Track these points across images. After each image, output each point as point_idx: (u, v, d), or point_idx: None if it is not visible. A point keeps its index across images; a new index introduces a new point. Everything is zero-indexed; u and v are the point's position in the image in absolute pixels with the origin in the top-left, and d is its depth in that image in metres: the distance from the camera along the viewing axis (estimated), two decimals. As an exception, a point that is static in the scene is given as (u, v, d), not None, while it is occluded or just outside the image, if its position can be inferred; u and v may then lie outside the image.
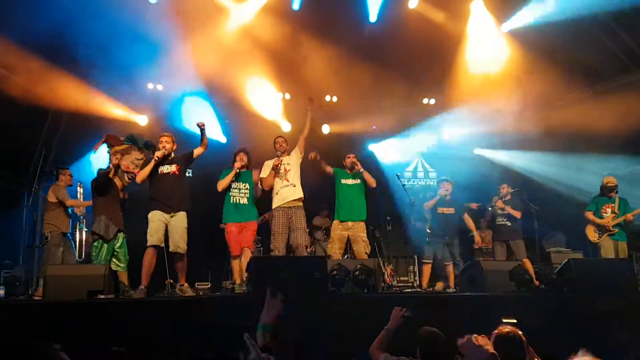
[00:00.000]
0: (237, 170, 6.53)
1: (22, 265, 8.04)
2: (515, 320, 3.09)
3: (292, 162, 6.79)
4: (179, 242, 5.97)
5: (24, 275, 7.69)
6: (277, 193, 6.66)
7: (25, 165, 8.16)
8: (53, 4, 7.22)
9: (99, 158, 7.84)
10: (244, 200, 6.62)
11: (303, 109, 7.01)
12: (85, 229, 7.74)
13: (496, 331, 2.89)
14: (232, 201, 6.60)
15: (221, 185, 6.59)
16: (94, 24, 7.45)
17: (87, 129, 8.49)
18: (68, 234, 7.05)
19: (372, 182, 7.03)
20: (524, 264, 6.89)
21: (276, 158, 6.74)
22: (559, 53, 8.38)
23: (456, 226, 7.70)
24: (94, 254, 6.26)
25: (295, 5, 8.49)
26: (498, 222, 8.08)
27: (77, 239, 7.71)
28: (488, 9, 8.60)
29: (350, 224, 6.84)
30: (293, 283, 5.18)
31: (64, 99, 7.94)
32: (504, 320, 3.09)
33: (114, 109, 8.99)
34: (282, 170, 6.68)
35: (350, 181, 7.02)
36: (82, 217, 7.77)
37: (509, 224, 7.98)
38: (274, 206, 6.67)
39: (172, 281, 7.13)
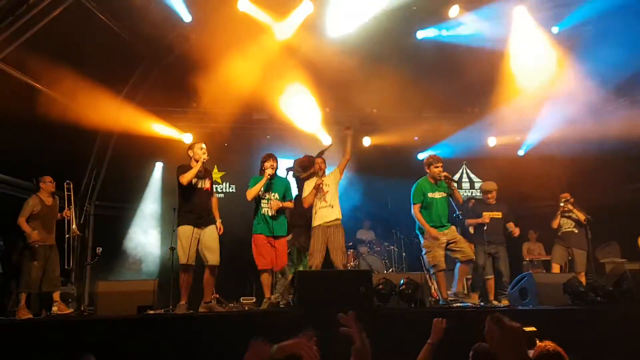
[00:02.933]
0: (269, 177, 6.33)
1: (73, 282, 8.28)
2: (535, 329, 2.96)
3: (331, 183, 6.71)
4: (213, 255, 5.99)
5: (76, 291, 7.92)
6: (315, 212, 6.62)
7: (77, 185, 8.44)
8: (100, 25, 7.52)
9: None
10: (272, 211, 6.39)
11: (342, 133, 6.96)
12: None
13: (538, 347, 2.80)
14: (262, 212, 6.41)
15: (251, 194, 6.37)
16: (139, 45, 7.73)
17: (136, 148, 8.75)
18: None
19: (459, 198, 6.86)
20: (578, 277, 6.65)
21: (317, 177, 6.68)
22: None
23: (503, 234, 7.48)
24: None
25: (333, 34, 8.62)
26: (565, 229, 7.84)
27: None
28: (532, 14, 8.43)
29: (446, 231, 6.56)
30: (338, 298, 5.15)
31: (112, 120, 8.20)
32: (525, 329, 2.98)
33: (160, 128, 9.23)
34: (322, 192, 6.62)
35: (437, 195, 6.70)
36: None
37: (575, 231, 7.78)
38: (313, 225, 6.62)
39: (218, 296, 7.21)
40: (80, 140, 7.76)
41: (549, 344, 2.80)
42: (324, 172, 6.83)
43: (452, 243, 6.48)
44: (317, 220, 6.57)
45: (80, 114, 7.57)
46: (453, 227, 6.66)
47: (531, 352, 2.80)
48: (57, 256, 6.88)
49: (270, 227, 6.31)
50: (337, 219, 6.55)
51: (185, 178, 5.95)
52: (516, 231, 7.47)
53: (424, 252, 6.60)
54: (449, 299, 6.38)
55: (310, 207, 6.67)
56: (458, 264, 6.62)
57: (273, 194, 6.47)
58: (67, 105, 7.54)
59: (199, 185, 6.12)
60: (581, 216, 7.73)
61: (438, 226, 6.53)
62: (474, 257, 6.76)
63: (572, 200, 7.81)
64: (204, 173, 6.18)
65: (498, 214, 7.46)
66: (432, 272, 6.55)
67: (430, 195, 6.63)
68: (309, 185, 6.80)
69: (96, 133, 8.98)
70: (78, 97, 7.55)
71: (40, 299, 6.80)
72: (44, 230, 6.70)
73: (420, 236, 6.72)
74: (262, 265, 6.24)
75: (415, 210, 6.64)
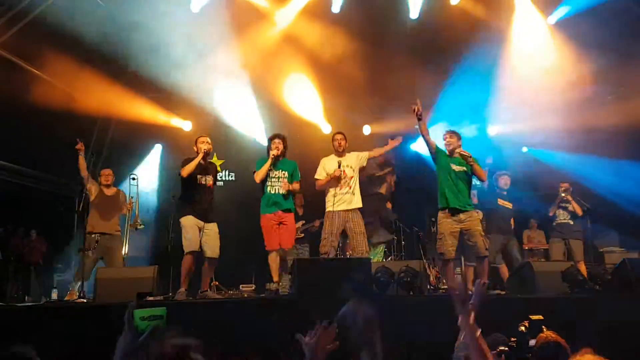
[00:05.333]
0: (273, 157, 6.24)
1: (73, 269, 8.30)
2: (542, 317, 2.96)
3: (354, 166, 6.47)
4: (214, 247, 6.01)
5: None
6: (334, 195, 6.35)
7: (76, 172, 8.43)
8: (100, 14, 7.46)
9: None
10: (283, 190, 6.27)
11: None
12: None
13: (540, 337, 2.80)
14: (269, 191, 6.25)
15: (259, 176, 6.25)
16: (140, 33, 7.69)
17: (135, 134, 8.73)
18: None
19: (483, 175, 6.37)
20: (577, 265, 6.66)
21: (337, 169, 6.35)
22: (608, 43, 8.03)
23: (511, 223, 7.51)
24: None
25: (336, 8, 8.49)
26: (560, 220, 7.84)
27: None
28: (533, 1, 8.36)
29: (462, 216, 6.03)
30: (336, 286, 5.15)
31: (111, 107, 8.18)
32: (531, 317, 2.97)
33: (159, 116, 9.20)
34: (342, 175, 6.35)
35: (457, 167, 6.15)
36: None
37: (571, 222, 7.78)
38: (328, 209, 6.37)
39: (217, 283, 7.23)
40: (79, 126, 7.72)
41: (550, 334, 2.81)
42: (344, 150, 6.55)
43: (466, 234, 6.00)
44: (335, 206, 6.32)
45: (79, 100, 7.55)
46: (474, 215, 6.12)
47: (533, 341, 2.80)
48: (120, 246, 6.99)
49: (278, 204, 6.20)
50: (358, 207, 6.38)
51: (185, 170, 5.96)
52: None
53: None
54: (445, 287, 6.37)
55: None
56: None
57: (282, 172, 6.33)
58: (66, 91, 7.52)
59: (202, 182, 6.09)
60: (578, 209, 7.72)
61: (456, 207, 5.97)
62: (488, 254, 6.24)
63: (571, 190, 7.80)
64: (207, 169, 6.17)
65: (509, 205, 7.46)
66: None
67: (452, 165, 6.08)
68: (323, 166, 6.55)
69: (95, 120, 8.96)
70: (77, 83, 7.53)
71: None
72: (101, 219, 6.79)
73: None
74: (269, 245, 6.16)
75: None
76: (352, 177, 6.41)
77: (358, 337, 1.67)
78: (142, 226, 7.43)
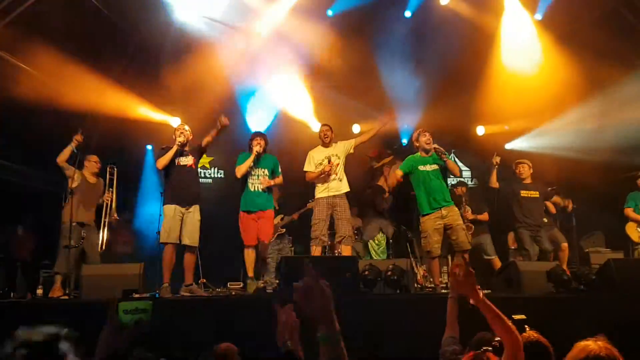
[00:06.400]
0: (256, 154, 6.38)
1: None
2: (524, 316, 2.98)
3: (341, 154, 6.71)
4: (193, 234, 5.99)
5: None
6: (323, 184, 6.62)
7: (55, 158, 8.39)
8: (89, 9, 7.41)
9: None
10: (263, 186, 6.47)
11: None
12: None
13: (522, 337, 2.81)
14: (251, 189, 6.44)
15: (241, 170, 6.43)
16: (128, 29, 7.67)
17: (123, 131, 8.65)
18: None
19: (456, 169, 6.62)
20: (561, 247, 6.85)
21: (327, 164, 6.60)
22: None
23: (542, 214, 7.40)
24: None
25: (330, 12, 8.59)
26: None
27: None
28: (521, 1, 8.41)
29: (444, 211, 6.19)
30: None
31: (99, 102, 8.12)
32: (514, 317, 3.00)
33: (148, 112, 9.14)
34: (332, 170, 6.61)
35: (430, 167, 6.34)
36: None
37: (545, 220, 7.73)
38: (317, 195, 6.64)
39: (205, 280, 7.21)
40: (68, 122, 7.67)
41: (532, 334, 2.82)
42: (331, 140, 6.78)
43: (449, 229, 6.16)
44: (322, 192, 6.59)
45: (68, 96, 7.48)
46: (454, 209, 6.29)
47: None
48: (96, 236, 6.81)
49: (257, 203, 6.36)
50: (345, 192, 6.61)
51: (159, 163, 6.05)
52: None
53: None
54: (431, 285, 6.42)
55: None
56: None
57: (262, 169, 6.50)
58: (56, 87, 7.44)
59: (181, 163, 6.10)
60: (552, 209, 7.74)
61: (434, 207, 6.17)
62: (469, 247, 6.37)
63: (557, 191, 7.84)
64: (188, 151, 6.17)
65: (535, 193, 7.37)
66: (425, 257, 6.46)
67: (421, 168, 6.30)
68: (312, 159, 6.74)
69: (84, 116, 8.87)
70: (66, 79, 7.46)
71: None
72: (82, 208, 6.59)
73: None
74: (247, 241, 6.29)
75: (395, 173, 6.51)
76: (338, 164, 6.64)
77: (315, 311, 1.68)
78: (118, 218, 7.27)
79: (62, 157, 6.54)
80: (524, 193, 7.37)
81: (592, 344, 2.02)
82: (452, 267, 6.59)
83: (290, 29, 8.43)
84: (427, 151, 6.37)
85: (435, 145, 6.28)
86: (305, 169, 6.76)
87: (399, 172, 6.43)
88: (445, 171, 6.41)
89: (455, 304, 3.21)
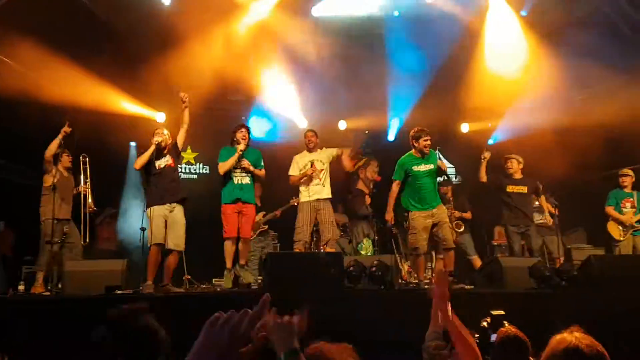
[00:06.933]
0: (241, 152, 6.35)
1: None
2: (503, 312, 3.02)
3: (325, 161, 6.84)
4: (178, 239, 5.95)
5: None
6: (306, 189, 6.72)
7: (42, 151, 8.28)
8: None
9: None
10: (247, 180, 6.44)
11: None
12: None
13: (500, 332, 2.84)
14: (235, 182, 6.40)
15: (224, 168, 6.40)
16: (113, 23, 7.58)
17: (106, 126, 8.56)
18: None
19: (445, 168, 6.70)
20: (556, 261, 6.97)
21: (310, 168, 6.75)
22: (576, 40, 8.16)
23: (531, 209, 7.44)
24: None
25: (316, 12, 8.59)
26: (537, 221, 7.85)
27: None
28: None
29: (434, 210, 6.30)
30: (309, 280, 5.21)
31: (81, 96, 8.02)
32: (493, 313, 3.03)
33: (132, 106, 9.04)
34: (314, 175, 6.76)
35: (424, 167, 6.40)
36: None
37: (547, 221, 7.86)
38: (301, 200, 6.76)
39: (189, 277, 7.18)
40: (49, 116, 7.57)
41: (510, 329, 2.85)
42: (315, 146, 6.87)
43: (435, 226, 6.24)
44: (306, 197, 6.71)
45: (49, 90, 7.38)
46: (443, 208, 6.42)
47: (494, 336, 2.85)
48: (77, 232, 6.78)
49: (240, 194, 6.33)
50: (328, 197, 6.73)
51: (136, 163, 6.08)
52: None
53: (409, 233, 6.40)
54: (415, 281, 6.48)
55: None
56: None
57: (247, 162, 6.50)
58: (36, 80, 7.34)
59: (161, 166, 6.07)
60: (549, 207, 7.82)
61: (425, 206, 6.25)
62: (454, 246, 6.49)
63: (541, 189, 7.90)
64: (166, 151, 6.14)
65: (523, 189, 7.39)
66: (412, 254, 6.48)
67: (415, 168, 6.33)
68: (296, 163, 6.87)
69: (64, 111, 8.75)
70: (46, 73, 7.36)
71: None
72: (62, 203, 6.58)
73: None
74: (228, 232, 6.27)
75: (393, 186, 6.42)
76: (322, 170, 6.76)
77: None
78: (95, 209, 7.23)
79: (51, 151, 6.54)
80: (511, 188, 7.41)
81: (568, 336, 2.05)
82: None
83: (275, 25, 8.40)
84: (423, 153, 6.38)
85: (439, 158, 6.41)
86: (289, 173, 6.89)
87: (397, 183, 6.42)
88: (436, 172, 6.49)
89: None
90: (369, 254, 8.38)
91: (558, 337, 2.08)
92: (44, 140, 6.56)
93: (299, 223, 6.64)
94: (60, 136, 6.50)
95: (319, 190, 6.70)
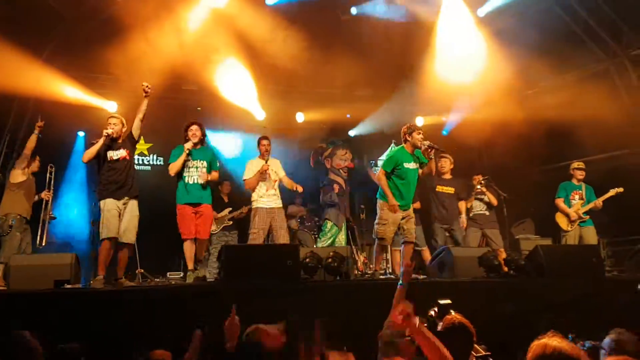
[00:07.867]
0: (188, 150, 6.19)
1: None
2: (450, 301, 3.11)
3: (277, 171, 6.92)
4: (130, 232, 5.79)
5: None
6: (261, 196, 6.76)
7: (19, 149, 7.96)
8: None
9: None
10: (202, 180, 6.24)
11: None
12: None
13: (445, 320, 2.92)
14: (187, 181, 6.21)
15: (174, 169, 6.22)
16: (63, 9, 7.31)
17: (56, 115, 8.26)
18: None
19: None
20: (499, 253, 7.01)
21: (264, 164, 6.74)
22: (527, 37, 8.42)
23: (457, 209, 7.78)
24: None
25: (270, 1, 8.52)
26: (476, 212, 8.15)
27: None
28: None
29: (409, 210, 6.35)
30: (266, 271, 5.20)
31: (29, 85, 7.72)
32: (440, 302, 3.13)
33: (83, 95, 8.75)
34: (268, 177, 6.80)
35: (413, 165, 6.34)
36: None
37: (487, 213, 8.11)
38: (255, 206, 6.78)
39: (142, 271, 7.06)
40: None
41: (455, 317, 2.94)
42: (269, 154, 6.91)
43: (403, 219, 6.28)
44: (260, 203, 6.74)
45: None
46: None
47: (440, 324, 2.93)
48: (29, 233, 6.83)
49: (195, 195, 6.19)
50: (280, 205, 6.85)
51: (84, 157, 5.86)
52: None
53: (376, 222, 6.38)
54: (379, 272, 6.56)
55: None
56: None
57: (200, 161, 6.32)
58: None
59: (114, 157, 5.86)
60: (493, 200, 8.09)
61: (403, 205, 6.24)
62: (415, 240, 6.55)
63: (484, 182, 8.14)
64: (119, 143, 5.94)
65: (450, 189, 7.74)
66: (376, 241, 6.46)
67: (406, 165, 6.26)
68: (250, 168, 6.87)
69: (12, 98, 8.40)
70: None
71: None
72: (26, 201, 6.76)
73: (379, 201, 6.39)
74: (185, 234, 6.13)
75: (380, 174, 6.32)
76: (275, 180, 6.86)
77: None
78: (54, 217, 7.40)
79: (30, 148, 6.72)
80: (440, 188, 7.80)
81: (551, 341, 2.13)
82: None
83: (230, 13, 8.29)
84: (414, 149, 6.35)
85: (429, 142, 6.21)
86: (244, 178, 6.86)
87: (385, 173, 6.31)
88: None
89: (403, 290, 3.36)
90: (343, 243, 8.41)
91: (542, 342, 2.15)
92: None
93: (254, 229, 6.64)
94: (36, 131, 6.64)
95: (274, 199, 6.79)
